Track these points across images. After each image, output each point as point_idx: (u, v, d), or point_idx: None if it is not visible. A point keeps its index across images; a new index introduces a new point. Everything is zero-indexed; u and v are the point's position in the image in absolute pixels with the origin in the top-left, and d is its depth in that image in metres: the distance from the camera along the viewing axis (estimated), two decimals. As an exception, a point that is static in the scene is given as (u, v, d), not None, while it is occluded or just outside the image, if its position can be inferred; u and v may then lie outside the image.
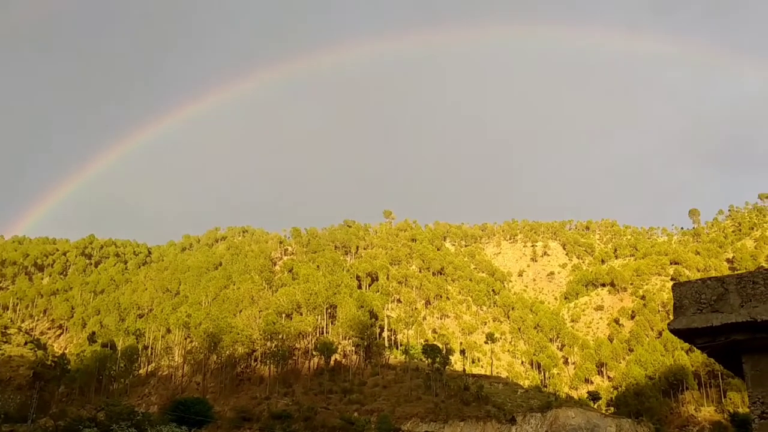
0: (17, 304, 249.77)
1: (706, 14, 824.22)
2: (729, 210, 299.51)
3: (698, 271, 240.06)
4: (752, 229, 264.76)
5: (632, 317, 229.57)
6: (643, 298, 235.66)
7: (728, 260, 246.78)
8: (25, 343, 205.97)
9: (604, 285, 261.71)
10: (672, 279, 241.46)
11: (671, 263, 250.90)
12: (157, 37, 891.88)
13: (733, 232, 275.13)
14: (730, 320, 5.08)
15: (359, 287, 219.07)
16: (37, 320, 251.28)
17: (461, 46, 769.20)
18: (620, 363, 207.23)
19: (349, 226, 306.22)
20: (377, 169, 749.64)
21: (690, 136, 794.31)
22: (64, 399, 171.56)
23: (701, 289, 5.08)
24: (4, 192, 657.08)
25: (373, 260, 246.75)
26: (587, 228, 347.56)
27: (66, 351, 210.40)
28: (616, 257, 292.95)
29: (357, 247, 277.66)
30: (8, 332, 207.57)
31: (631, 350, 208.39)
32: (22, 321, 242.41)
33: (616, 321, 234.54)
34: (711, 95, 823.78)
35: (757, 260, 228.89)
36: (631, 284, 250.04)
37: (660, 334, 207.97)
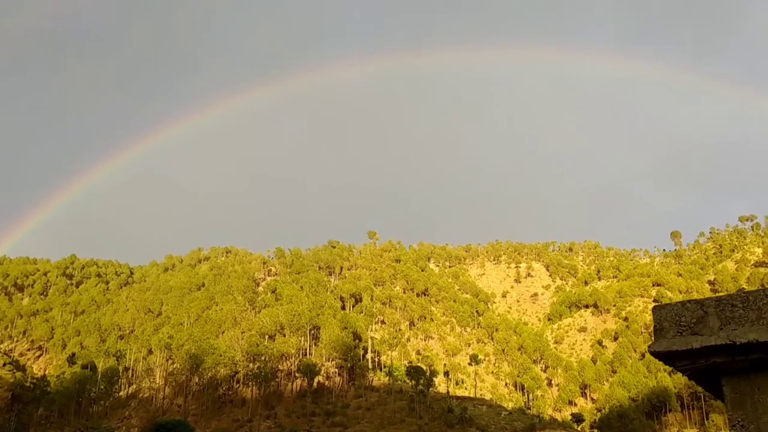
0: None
1: (695, 41, 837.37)
2: (710, 232, 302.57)
3: (680, 292, 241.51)
4: (733, 251, 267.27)
5: (615, 339, 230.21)
6: (626, 319, 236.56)
7: (710, 282, 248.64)
8: (4, 365, 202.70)
9: (587, 306, 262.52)
10: (654, 300, 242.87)
11: (654, 285, 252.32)
12: (141, 55, 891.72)
13: (714, 254, 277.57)
14: (710, 343, 5.18)
15: (343, 308, 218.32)
16: (17, 341, 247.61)
17: (446, 69, 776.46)
18: (604, 385, 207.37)
19: (334, 247, 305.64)
20: (361, 190, 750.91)
21: (672, 160, 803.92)
22: (43, 421, 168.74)
23: (681, 311, 5.19)
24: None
25: (357, 281, 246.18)
26: (570, 249, 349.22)
27: (46, 372, 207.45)
28: (599, 279, 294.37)
29: (341, 268, 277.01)
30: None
31: (614, 372, 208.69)
32: (1, 342, 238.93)
33: (600, 342, 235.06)
34: (693, 119, 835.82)
35: (738, 282, 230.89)
36: (614, 306, 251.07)
37: (643, 355, 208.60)
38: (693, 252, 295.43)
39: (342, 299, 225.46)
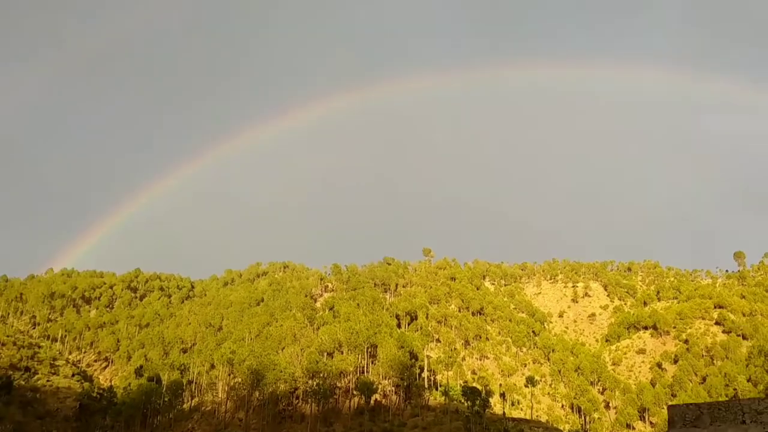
0: (65, 336, 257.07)
1: (761, 60, 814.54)
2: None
3: (743, 315, 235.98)
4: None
5: (675, 361, 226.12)
6: (686, 342, 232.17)
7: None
8: (72, 375, 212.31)
9: (646, 328, 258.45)
10: (716, 323, 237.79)
11: (715, 307, 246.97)
12: (201, 74, 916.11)
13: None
14: (703, 434, 7.85)
15: (399, 326, 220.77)
16: (84, 352, 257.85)
17: (506, 86, 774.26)
18: (663, 408, 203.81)
19: (389, 264, 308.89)
20: (417, 207, 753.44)
21: (737, 180, 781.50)
22: (109, 431, 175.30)
23: (686, 411, 7.88)
24: (53, 225, 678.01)
25: (412, 299, 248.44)
26: (629, 269, 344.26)
27: (111, 383, 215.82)
28: (659, 299, 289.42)
29: (396, 285, 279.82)
30: (56, 363, 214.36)
31: (674, 395, 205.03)
32: (70, 353, 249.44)
33: (659, 365, 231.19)
34: (759, 139, 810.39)
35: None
36: (674, 327, 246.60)
37: (704, 379, 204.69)
38: (758, 273, 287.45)
39: (397, 317, 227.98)
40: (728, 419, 6.31)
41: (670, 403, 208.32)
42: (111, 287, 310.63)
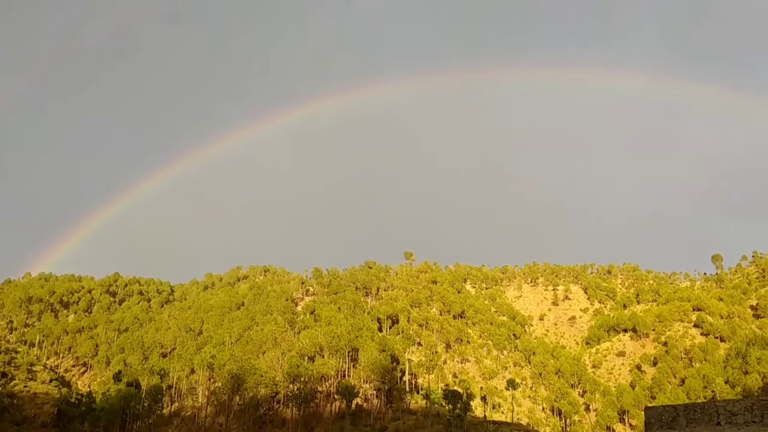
0: (43, 341, 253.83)
1: (742, 65, 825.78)
2: (753, 256, 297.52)
3: (721, 317, 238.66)
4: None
5: (654, 364, 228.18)
6: (665, 344, 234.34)
7: (752, 307, 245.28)
8: (50, 381, 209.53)
9: (626, 330, 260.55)
10: (695, 326, 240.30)
11: (694, 309, 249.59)
12: (185, 74, 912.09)
13: (757, 278, 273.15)
14: (680, 436, 7.85)
15: (380, 329, 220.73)
16: (62, 357, 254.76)
17: (484, 89, 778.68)
18: (642, 411, 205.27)
19: (370, 267, 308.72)
20: (398, 211, 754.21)
21: (715, 183, 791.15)
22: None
23: (663, 412, 7.91)
24: (30, 229, 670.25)
25: (393, 302, 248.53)
26: (609, 272, 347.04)
27: (90, 388, 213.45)
28: (638, 302, 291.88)
29: (378, 289, 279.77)
30: (34, 369, 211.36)
31: (653, 398, 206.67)
32: (48, 358, 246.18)
33: (639, 367, 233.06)
34: (737, 144, 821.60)
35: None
36: (653, 330, 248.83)
37: (683, 381, 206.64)
38: (735, 276, 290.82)
39: (379, 320, 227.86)
40: (703, 421, 6.42)
41: (649, 404, 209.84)
42: (89, 291, 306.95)
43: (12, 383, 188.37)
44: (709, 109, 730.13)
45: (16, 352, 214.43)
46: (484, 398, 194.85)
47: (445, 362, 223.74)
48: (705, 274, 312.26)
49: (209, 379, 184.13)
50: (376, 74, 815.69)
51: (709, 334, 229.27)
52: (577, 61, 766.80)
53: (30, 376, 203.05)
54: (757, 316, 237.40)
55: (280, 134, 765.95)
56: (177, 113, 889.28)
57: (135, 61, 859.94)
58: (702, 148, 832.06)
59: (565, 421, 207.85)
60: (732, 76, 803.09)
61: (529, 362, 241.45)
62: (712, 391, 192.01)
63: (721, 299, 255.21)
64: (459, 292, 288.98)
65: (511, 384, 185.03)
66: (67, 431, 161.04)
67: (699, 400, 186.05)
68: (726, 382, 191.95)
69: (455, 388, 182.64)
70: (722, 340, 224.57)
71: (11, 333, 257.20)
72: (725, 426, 6.08)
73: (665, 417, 6.21)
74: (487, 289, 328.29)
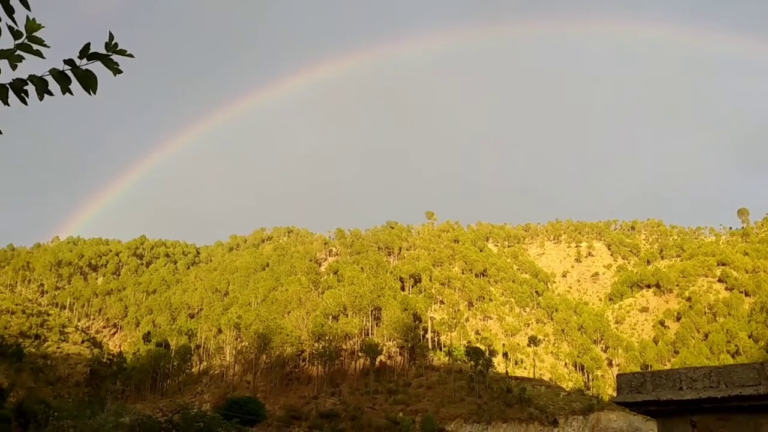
0: (74, 304, 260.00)
1: (765, 15, 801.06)
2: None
3: (746, 272, 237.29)
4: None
5: (678, 319, 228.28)
6: (689, 299, 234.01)
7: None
8: (82, 342, 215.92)
9: (649, 286, 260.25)
10: (719, 281, 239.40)
11: (719, 264, 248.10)
12: (208, 36, 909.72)
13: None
14: (646, 398, 8.53)
15: (402, 289, 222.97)
16: (93, 319, 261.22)
17: (506, 47, 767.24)
18: (665, 365, 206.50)
19: (392, 227, 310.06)
20: (420, 170, 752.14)
21: (741, 138, 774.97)
22: (119, 396, 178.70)
23: (632, 378, 8.53)
24: (60, 193, 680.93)
25: (415, 262, 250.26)
26: (632, 228, 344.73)
27: (121, 349, 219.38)
28: (662, 258, 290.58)
29: (400, 248, 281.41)
30: (66, 331, 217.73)
31: (676, 353, 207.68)
32: (79, 320, 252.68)
33: (662, 323, 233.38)
34: (765, 96, 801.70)
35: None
36: (677, 285, 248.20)
37: (706, 336, 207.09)
38: (761, 230, 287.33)
39: (401, 280, 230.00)
40: (668, 386, 6.89)
41: (672, 359, 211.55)
42: (117, 254, 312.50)
43: (45, 344, 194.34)
44: (737, 61, 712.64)
45: (48, 315, 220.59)
46: (506, 354, 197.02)
47: (467, 320, 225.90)
48: (730, 228, 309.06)
49: (236, 339, 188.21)
50: (401, 31, 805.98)
51: (733, 289, 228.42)
52: (602, 13, 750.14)
53: (62, 338, 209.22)
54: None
55: (303, 94, 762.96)
56: (202, 74, 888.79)
57: (155, 27, 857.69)
58: (729, 102, 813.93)
59: (588, 377, 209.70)
60: (763, 27, 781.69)
61: (552, 319, 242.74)
62: (736, 346, 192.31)
63: (746, 254, 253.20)
64: (481, 251, 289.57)
65: (534, 341, 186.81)
66: (99, 390, 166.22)
67: (722, 355, 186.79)
68: (750, 337, 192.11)
69: (477, 345, 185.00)
70: (747, 294, 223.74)
71: (42, 296, 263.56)
72: (686, 390, 6.53)
73: (634, 383, 6.62)
74: (509, 247, 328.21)
